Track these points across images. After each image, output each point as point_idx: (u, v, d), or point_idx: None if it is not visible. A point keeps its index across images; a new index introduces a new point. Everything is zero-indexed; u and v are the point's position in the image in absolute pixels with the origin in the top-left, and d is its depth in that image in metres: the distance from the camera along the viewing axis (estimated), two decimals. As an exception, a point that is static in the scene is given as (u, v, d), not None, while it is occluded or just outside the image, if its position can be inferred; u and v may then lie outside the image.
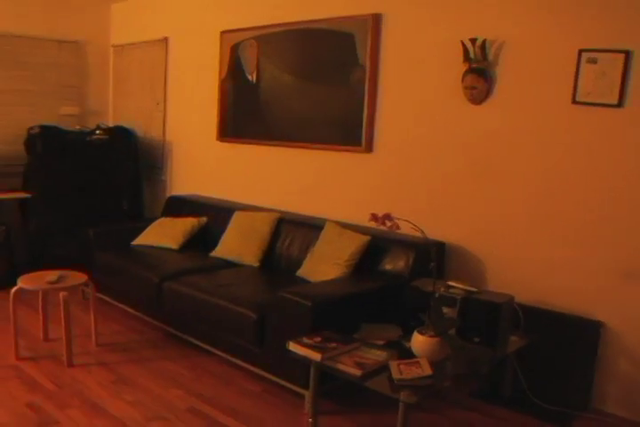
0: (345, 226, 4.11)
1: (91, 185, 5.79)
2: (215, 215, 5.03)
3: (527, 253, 3.64)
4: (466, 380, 3.74)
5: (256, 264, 4.43)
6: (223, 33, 5.30)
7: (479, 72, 3.67)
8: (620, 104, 3.22)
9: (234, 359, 3.76)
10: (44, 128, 5.59)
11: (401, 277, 3.67)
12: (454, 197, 3.92)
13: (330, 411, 3.33)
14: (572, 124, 3.39)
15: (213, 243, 4.80)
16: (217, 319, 3.72)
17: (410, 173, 4.13)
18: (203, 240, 4.97)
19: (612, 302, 3.35)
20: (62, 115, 6.28)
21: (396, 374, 2.74)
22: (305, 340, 3.01)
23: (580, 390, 3.44)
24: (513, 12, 3.56)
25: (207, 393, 3.48)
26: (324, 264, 3.89)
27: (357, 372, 2.78)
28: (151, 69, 6.17)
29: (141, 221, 5.40)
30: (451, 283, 3.40)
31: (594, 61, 3.29)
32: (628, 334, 3.32)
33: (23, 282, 3.84)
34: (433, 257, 3.03)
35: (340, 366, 2.84)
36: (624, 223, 3.26)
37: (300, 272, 4.08)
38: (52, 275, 3.93)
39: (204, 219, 5.05)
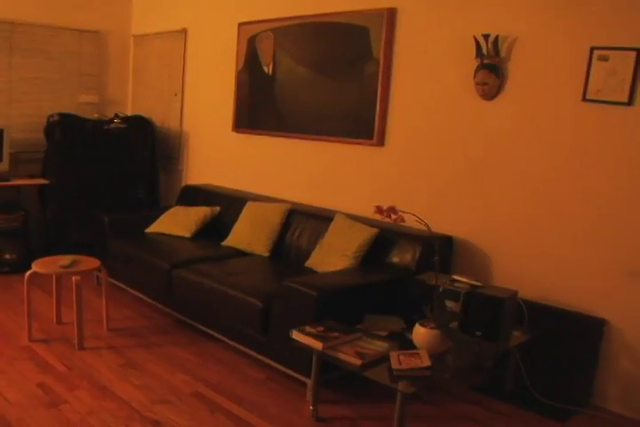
0: (354, 218, 4.15)
1: (108, 173, 5.88)
2: (228, 205, 5.10)
3: (533, 249, 3.66)
4: (467, 373, 3.78)
5: (266, 254, 4.49)
6: (241, 25, 5.34)
7: (491, 68, 3.69)
8: (630, 102, 3.22)
9: (240, 347, 3.83)
10: (63, 116, 5.69)
11: (407, 270, 3.71)
12: (463, 192, 3.95)
13: (331, 400, 3.38)
14: (582, 121, 3.40)
15: (225, 232, 4.87)
16: (224, 307, 3.79)
17: (420, 167, 4.15)
18: (215, 229, 5.03)
19: (616, 300, 3.36)
20: (82, 103, 6.37)
21: (395, 365, 2.78)
22: (308, 329, 3.06)
23: (582, 387, 3.46)
24: (526, 9, 3.57)
25: (212, 379, 3.55)
26: (332, 255, 3.94)
27: (357, 361, 2.83)
28: (170, 60, 6.24)
29: (156, 210, 5.50)
30: (456, 277, 3.43)
31: (605, 59, 3.29)
32: (630, 332, 3.33)
33: (37, 266, 3.92)
34: (437, 251, 3.07)
35: (341, 356, 2.89)
36: (630, 222, 3.27)
37: (309, 263, 4.14)
38: (66, 260, 4.02)
39: (217, 208, 5.12)
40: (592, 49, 3.31)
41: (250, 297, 3.62)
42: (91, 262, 4.08)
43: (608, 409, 3.44)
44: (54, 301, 4.25)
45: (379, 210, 2.96)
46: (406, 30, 4.16)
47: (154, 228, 5.05)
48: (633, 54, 3.19)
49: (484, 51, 3.69)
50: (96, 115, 6.17)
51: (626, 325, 3.35)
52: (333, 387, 3.50)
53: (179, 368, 3.67)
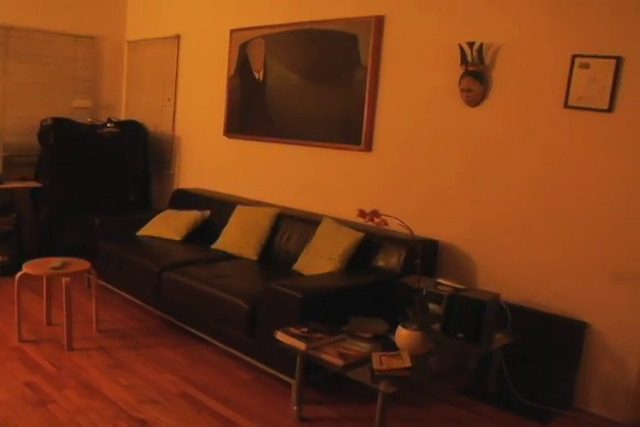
0: (341, 222, 4.21)
1: (100, 176, 5.94)
2: (218, 209, 5.15)
3: (518, 253, 3.72)
4: (450, 375, 3.83)
5: (255, 257, 4.54)
6: (233, 31, 5.41)
7: (475, 75, 3.76)
8: (610, 109, 3.29)
9: (227, 348, 3.88)
10: (57, 120, 5.74)
11: (392, 274, 3.76)
12: (449, 197, 4.01)
13: (316, 400, 3.43)
14: (564, 127, 3.47)
15: (215, 236, 4.92)
16: (212, 309, 3.84)
17: (407, 172, 4.22)
18: (205, 233, 5.09)
19: (597, 303, 3.42)
20: (75, 108, 6.42)
21: (376, 366, 2.84)
22: (292, 330, 3.12)
23: (563, 389, 3.52)
24: (510, 17, 3.64)
25: (199, 380, 3.60)
26: (319, 259, 4.00)
27: (339, 362, 2.88)
28: (163, 65, 6.31)
29: (147, 213, 5.54)
30: (440, 280, 3.49)
31: (586, 67, 3.36)
32: (611, 335, 3.39)
33: (28, 268, 3.97)
34: (419, 254, 3.13)
35: (324, 356, 2.94)
36: (611, 226, 3.34)
37: (296, 266, 4.19)
38: (56, 261, 4.07)
39: (208, 212, 5.17)
40: (573, 57, 3.38)
41: (237, 299, 3.67)
42: (81, 264, 4.13)
43: (589, 411, 3.49)
44: (44, 302, 4.30)
45: (362, 213, 3.02)
46: (393, 38, 4.24)
47: (145, 231, 5.10)
48: (613, 62, 3.26)
49: (469, 58, 3.77)
50: (89, 119, 6.22)
51: (606, 328, 3.40)
52: (318, 388, 3.55)
53: (166, 369, 3.71)
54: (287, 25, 4.87)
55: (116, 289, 4.88)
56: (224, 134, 5.60)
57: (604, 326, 3.41)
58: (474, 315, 3.22)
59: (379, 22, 4.26)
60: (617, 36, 3.24)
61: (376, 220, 3.03)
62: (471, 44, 3.74)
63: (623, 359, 3.36)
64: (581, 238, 3.45)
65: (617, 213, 3.30)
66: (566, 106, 3.43)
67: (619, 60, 3.23)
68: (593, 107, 3.36)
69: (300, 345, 2.99)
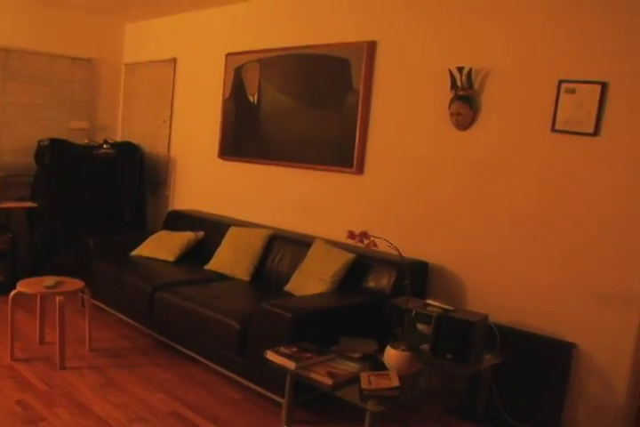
0: (333, 244, 4.26)
1: (95, 197, 6.00)
2: (212, 230, 5.21)
3: (506, 275, 3.76)
4: (439, 395, 3.86)
5: (247, 278, 4.58)
6: (228, 55, 5.51)
7: (465, 99, 3.84)
8: (595, 133, 3.36)
9: (218, 368, 3.90)
10: (54, 141, 5.80)
11: (382, 294, 3.80)
12: (439, 219, 4.06)
13: (305, 420, 3.45)
14: (551, 151, 3.54)
15: (208, 256, 4.97)
16: (204, 329, 3.87)
17: (398, 194, 4.28)
18: (199, 254, 5.13)
19: (584, 324, 3.46)
20: (72, 129, 6.50)
21: (365, 385, 2.87)
22: (282, 349, 3.15)
23: (552, 409, 3.54)
24: (498, 43, 3.73)
25: (190, 399, 3.62)
26: (311, 280, 4.04)
27: (328, 381, 2.91)
28: (159, 88, 6.40)
29: (142, 233, 5.58)
30: (429, 301, 3.53)
31: (572, 91, 3.44)
32: (598, 355, 3.42)
33: (22, 286, 4.00)
34: (407, 275, 3.18)
35: (313, 375, 2.97)
36: (598, 249, 3.39)
37: (288, 287, 4.23)
38: (50, 280, 4.10)
39: (201, 233, 5.22)
40: (560, 82, 3.46)
41: (228, 319, 3.70)
42: (75, 284, 4.16)
43: (577, 431, 3.53)
44: (38, 321, 4.32)
45: (351, 235, 3.07)
46: (385, 63, 4.32)
47: (138, 251, 5.14)
48: (598, 87, 3.34)
49: (459, 83, 3.85)
50: (86, 140, 6.29)
51: (594, 349, 3.44)
52: (308, 408, 3.57)
53: (158, 388, 3.73)
54: (281, 49, 4.96)
55: (109, 309, 4.91)
56: (218, 156, 5.67)
57: (591, 347, 3.45)
58: (462, 336, 3.26)
59: (371, 47, 4.35)
60: (602, 62, 3.32)
61: (365, 241, 3.07)
62: (460, 69, 3.83)
63: (611, 379, 3.39)
64: (568, 261, 3.49)
65: (603, 237, 3.35)
66: (553, 130, 3.50)
67: (604, 86, 3.31)
68: (579, 131, 3.43)
69: (290, 364, 3.02)
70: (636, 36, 3.22)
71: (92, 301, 4.45)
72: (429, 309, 3.42)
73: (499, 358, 3.48)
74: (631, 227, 3.27)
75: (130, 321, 4.68)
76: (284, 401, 3.31)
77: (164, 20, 6.38)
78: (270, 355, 3.12)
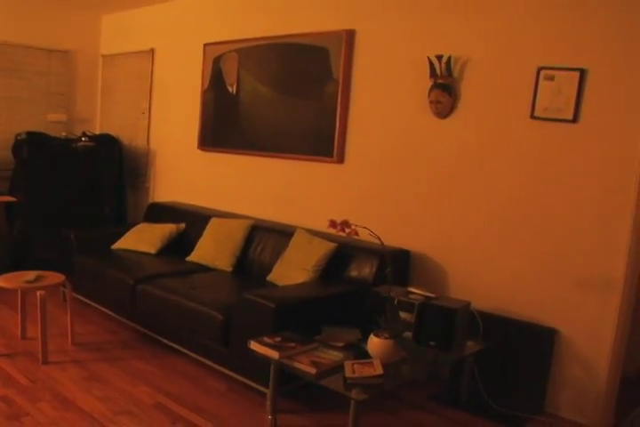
0: (314, 234, 4.26)
1: (75, 190, 5.95)
2: (193, 222, 5.18)
3: (488, 262, 3.78)
4: (422, 382, 3.88)
5: (229, 269, 4.57)
6: (206, 45, 5.47)
7: (444, 87, 3.84)
8: (574, 120, 3.38)
9: (202, 359, 3.90)
10: (31, 134, 5.75)
11: (365, 283, 3.81)
12: (421, 207, 4.08)
13: (291, 410, 3.45)
14: (531, 138, 3.55)
15: (190, 248, 4.95)
16: (187, 320, 3.86)
17: (379, 183, 4.28)
18: (180, 245, 5.11)
19: (566, 310, 3.49)
20: (50, 122, 6.44)
21: (349, 374, 2.87)
22: (265, 339, 3.15)
23: (535, 395, 3.57)
24: (477, 31, 3.73)
25: (174, 391, 3.61)
26: (293, 270, 4.04)
27: (312, 370, 2.91)
28: (138, 79, 6.35)
29: (122, 226, 5.56)
30: (411, 289, 3.54)
31: (551, 79, 3.45)
32: (579, 341, 3.46)
33: (2, 281, 3.96)
34: (388, 263, 3.18)
35: (297, 365, 2.97)
36: (577, 235, 3.42)
37: (270, 277, 4.22)
38: (31, 275, 4.06)
39: (183, 225, 5.20)
40: (539, 69, 3.47)
41: (211, 310, 3.69)
42: (56, 278, 4.13)
43: (560, 416, 3.55)
44: (19, 316, 4.28)
45: (332, 224, 3.07)
46: (364, 52, 4.31)
47: (120, 244, 5.11)
48: (577, 74, 3.35)
49: (438, 71, 3.84)
50: (64, 133, 6.23)
51: (575, 334, 3.47)
52: (293, 397, 3.58)
53: (142, 381, 3.72)
54: (260, 39, 4.93)
55: (91, 302, 4.88)
56: (198, 148, 5.64)
57: (573, 333, 3.48)
58: (445, 323, 3.27)
59: (350, 36, 4.34)
60: (580, 50, 3.33)
61: (347, 230, 3.07)
62: (440, 58, 3.83)
63: (592, 364, 3.42)
64: (549, 248, 3.52)
65: (583, 223, 3.38)
66: (532, 117, 3.52)
67: (582, 73, 3.32)
68: (558, 117, 3.45)
69: (274, 354, 3.02)
70: (614, 23, 3.24)
71: (74, 295, 4.42)
72: (412, 297, 3.42)
73: (481, 344, 3.50)
74: (611, 213, 3.30)
75: (112, 314, 4.66)
76: (268, 391, 3.31)
77: (142, 11, 6.32)
78: (254, 345, 3.12)
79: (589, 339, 3.43)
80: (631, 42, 3.19)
